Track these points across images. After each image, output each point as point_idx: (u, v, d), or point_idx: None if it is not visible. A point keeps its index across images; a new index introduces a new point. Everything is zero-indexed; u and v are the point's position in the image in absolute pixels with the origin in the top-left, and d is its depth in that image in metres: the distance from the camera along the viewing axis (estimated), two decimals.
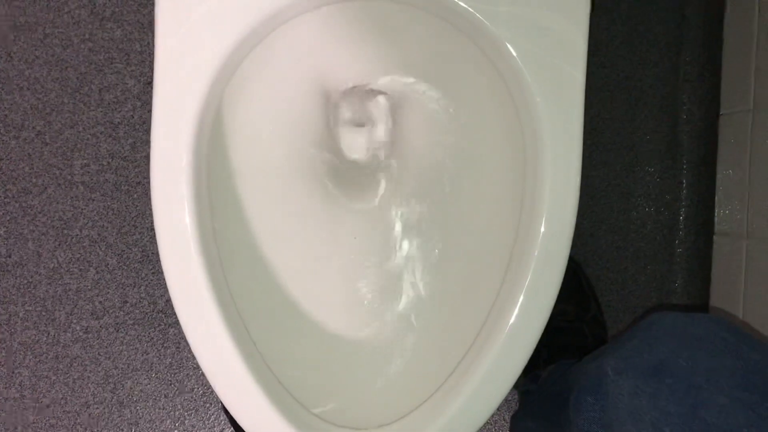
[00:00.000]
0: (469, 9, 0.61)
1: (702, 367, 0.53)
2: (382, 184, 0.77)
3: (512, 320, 0.61)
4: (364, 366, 0.70)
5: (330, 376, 0.69)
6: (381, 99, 0.73)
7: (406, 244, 0.75)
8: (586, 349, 0.97)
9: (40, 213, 0.99)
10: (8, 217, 0.98)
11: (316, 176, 0.74)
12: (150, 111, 0.97)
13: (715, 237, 1.00)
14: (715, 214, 1.00)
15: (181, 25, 0.60)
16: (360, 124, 0.75)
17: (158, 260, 0.98)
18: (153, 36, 0.98)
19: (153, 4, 0.97)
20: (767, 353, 0.54)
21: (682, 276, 1.03)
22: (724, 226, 0.98)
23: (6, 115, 0.98)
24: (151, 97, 0.97)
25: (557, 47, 0.62)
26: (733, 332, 0.56)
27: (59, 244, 0.99)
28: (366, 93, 0.74)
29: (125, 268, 1.00)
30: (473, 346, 0.63)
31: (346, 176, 0.76)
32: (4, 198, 0.98)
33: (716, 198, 1.00)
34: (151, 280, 1.00)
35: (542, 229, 0.61)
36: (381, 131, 0.76)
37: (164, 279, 0.99)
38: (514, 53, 0.61)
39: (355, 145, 0.76)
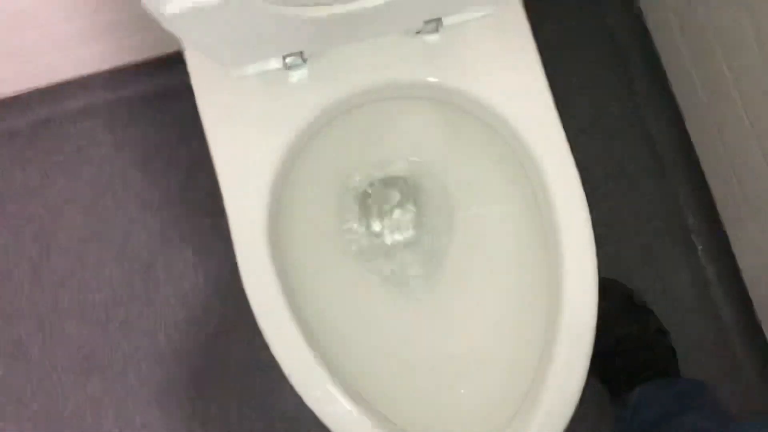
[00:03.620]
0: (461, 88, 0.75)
1: None
2: (416, 260, 0.88)
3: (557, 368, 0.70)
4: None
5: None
6: (404, 185, 0.87)
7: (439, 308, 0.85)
8: (656, 362, 1.03)
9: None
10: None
11: (365, 264, 0.86)
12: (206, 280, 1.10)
13: None
14: None
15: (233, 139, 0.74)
16: (390, 210, 0.88)
17: None
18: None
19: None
20: None
21: None
22: None
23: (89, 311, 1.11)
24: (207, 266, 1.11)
25: (530, 99, 0.76)
26: None
27: None
28: (392, 181, 0.87)
29: None
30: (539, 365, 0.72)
31: (389, 260, 0.88)
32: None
33: None
34: None
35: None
36: (407, 216, 0.89)
37: None
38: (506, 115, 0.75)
39: (389, 229, 0.88)
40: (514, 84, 0.77)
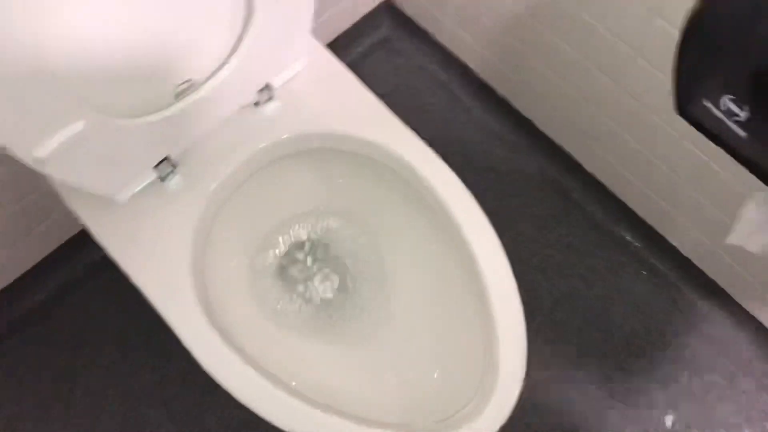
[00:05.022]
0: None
1: None
2: (351, 310, 0.96)
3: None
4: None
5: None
6: (317, 244, 0.95)
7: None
8: None
9: None
10: None
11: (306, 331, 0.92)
12: None
13: None
14: None
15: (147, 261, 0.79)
16: (312, 272, 0.96)
17: None
18: None
19: None
20: None
21: None
22: None
23: None
24: None
25: (380, 119, 0.88)
26: None
27: None
28: (301, 244, 0.95)
29: None
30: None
31: (327, 319, 0.94)
32: None
33: None
34: None
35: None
36: (330, 270, 0.97)
37: None
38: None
39: (317, 291, 0.95)
40: (358, 110, 0.88)
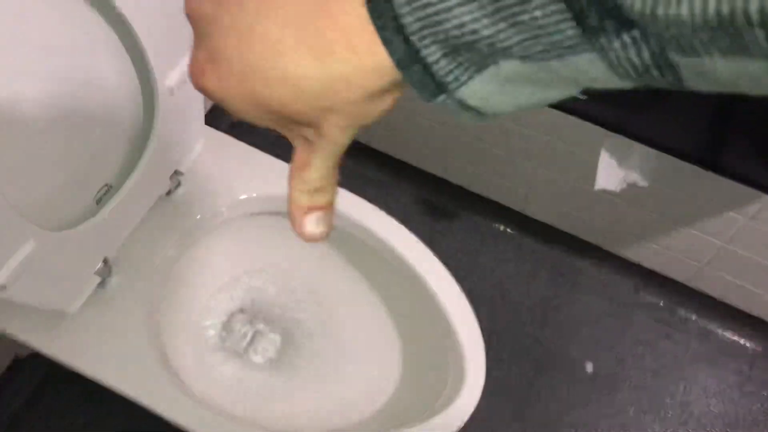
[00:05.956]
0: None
1: None
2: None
3: None
4: None
5: None
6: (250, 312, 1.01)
7: None
8: None
9: None
10: None
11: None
12: None
13: None
14: None
15: None
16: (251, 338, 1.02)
17: None
18: None
19: None
20: None
21: None
22: None
23: None
24: None
25: None
26: None
27: None
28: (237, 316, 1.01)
29: None
30: None
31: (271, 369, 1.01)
32: None
33: None
34: None
35: None
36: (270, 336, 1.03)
37: None
38: None
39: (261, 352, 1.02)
40: (258, 172, 0.97)
